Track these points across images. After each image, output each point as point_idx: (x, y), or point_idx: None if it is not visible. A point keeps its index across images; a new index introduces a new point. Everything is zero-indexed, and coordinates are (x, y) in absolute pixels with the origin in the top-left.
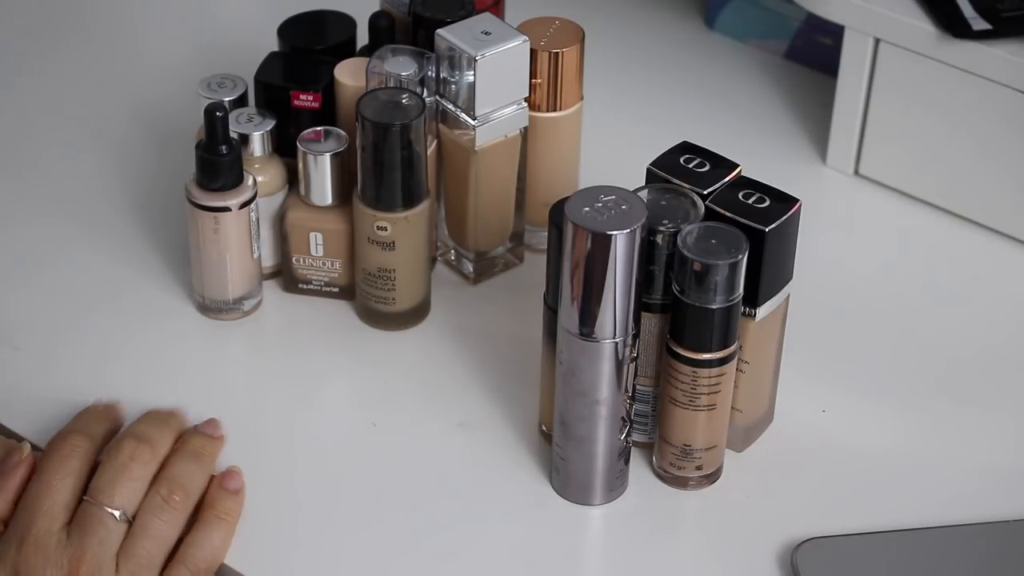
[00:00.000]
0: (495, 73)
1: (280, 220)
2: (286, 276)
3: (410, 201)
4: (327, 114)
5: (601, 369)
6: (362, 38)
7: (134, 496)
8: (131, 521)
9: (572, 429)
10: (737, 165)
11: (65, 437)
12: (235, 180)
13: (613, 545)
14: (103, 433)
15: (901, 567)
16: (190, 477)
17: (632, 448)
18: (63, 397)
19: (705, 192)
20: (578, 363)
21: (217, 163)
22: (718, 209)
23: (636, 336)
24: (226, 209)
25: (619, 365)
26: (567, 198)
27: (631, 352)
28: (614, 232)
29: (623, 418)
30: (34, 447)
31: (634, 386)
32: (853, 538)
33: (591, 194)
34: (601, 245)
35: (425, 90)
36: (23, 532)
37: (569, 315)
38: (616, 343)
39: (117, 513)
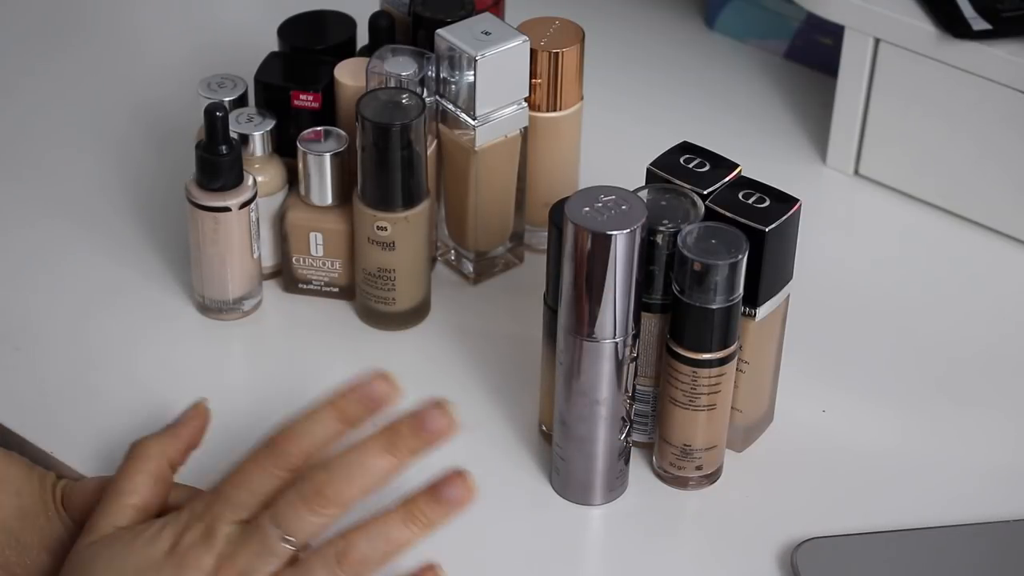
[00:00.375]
0: (495, 73)
1: (280, 220)
2: (286, 276)
3: (410, 201)
4: (327, 114)
5: (601, 369)
6: (362, 38)
7: (312, 533)
8: (297, 552)
9: (572, 429)
10: (737, 165)
11: (289, 440)
12: (235, 180)
13: (613, 545)
14: (317, 445)
15: (901, 567)
16: (371, 553)
17: (632, 448)
18: (63, 397)
19: (705, 192)
20: (578, 363)
21: (217, 163)
22: (718, 209)
23: (636, 336)
24: (226, 209)
25: (619, 365)
26: (567, 198)
27: (631, 352)
28: (614, 232)
29: (623, 418)
30: (35, 447)
31: (634, 386)
32: (853, 538)
33: (591, 194)
34: (601, 245)
35: (425, 90)
36: (200, 509)
37: (569, 315)
38: (616, 343)
39: (290, 544)
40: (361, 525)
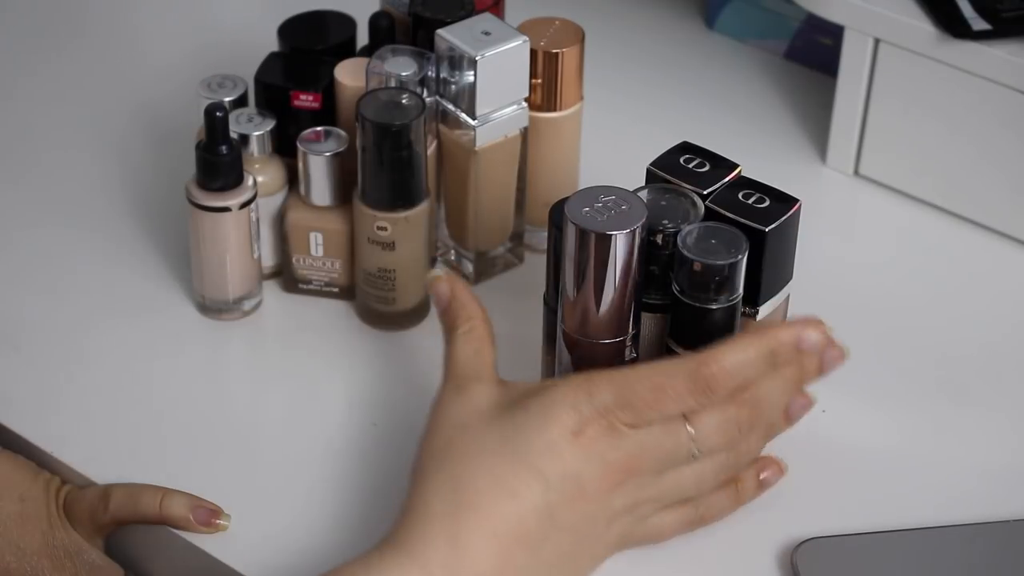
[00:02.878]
0: (495, 73)
1: (280, 220)
2: (286, 276)
3: (410, 201)
4: (327, 114)
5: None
6: (362, 38)
7: (718, 446)
8: (696, 455)
9: None
10: (737, 165)
11: (718, 376)
12: (235, 180)
13: None
14: (745, 385)
15: (901, 567)
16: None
17: None
18: (63, 397)
19: (705, 192)
20: (578, 363)
21: (217, 163)
22: (718, 209)
23: (636, 336)
24: (226, 209)
25: (619, 365)
26: (567, 198)
27: (631, 352)
28: (614, 232)
29: None
30: (35, 447)
31: None
32: (853, 538)
33: (591, 194)
34: (601, 245)
35: (425, 90)
36: (600, 405)
37: (569, 315)
38: (616, 343)
39: (696, 450)
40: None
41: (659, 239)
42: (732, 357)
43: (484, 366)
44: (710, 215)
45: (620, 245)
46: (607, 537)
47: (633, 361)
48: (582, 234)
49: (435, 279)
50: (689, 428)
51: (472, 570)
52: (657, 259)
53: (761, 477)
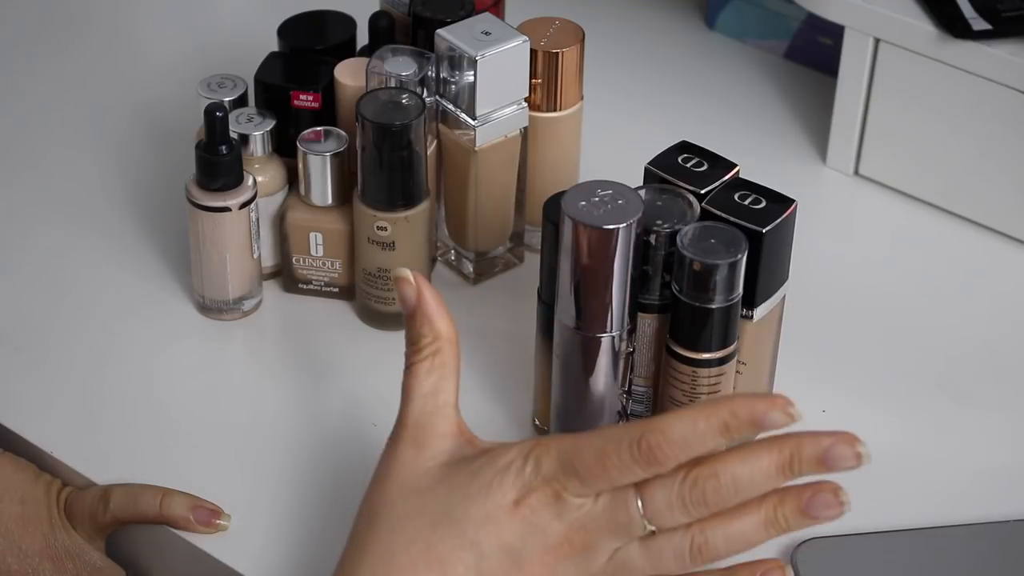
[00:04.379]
0: (495, 73)
1: (280, 220)
2: (286, 276)
3: (410, 201)
4: (327, 114)
5: (597, 363)
6: (362, 38)
7: (675, 526)
8: (650, 532)
9: (569, 423)
10: (735, 165)
11: (663, 447)
12: (235, 180)
13: None
14: (692, 456)
15: (901, 567)
16: (724, 551)
17: None
18: (63, 397)
19: (702, 192)
20: (574, 357)
21: (217, 163)
22: (714, 211)
23: (632, 331)
24: (226, 209)
25: (615, 359)
26: (561, 193)
27: (627, 347)
28: (611, 226)
29: (619, 412)
30: (35, 447)
31: (630, 381)
32: (853, 538)
33: (587, 188)
34: (597, 239)
35: (425, 90)
36: (546, 471)
37: (566, 309)
38: (612, 337)
39: (648, 525)
40: (718, 519)
41: (653, 239)
42: (679, 427)
43: (444, 409)
44: (706, 218)
45: (616, 239)
46: None
47: (630, 356)
48: (578, 228)
49: (401, 278)
50: (639, 501)
51: None
52: (652, 259)
53: None
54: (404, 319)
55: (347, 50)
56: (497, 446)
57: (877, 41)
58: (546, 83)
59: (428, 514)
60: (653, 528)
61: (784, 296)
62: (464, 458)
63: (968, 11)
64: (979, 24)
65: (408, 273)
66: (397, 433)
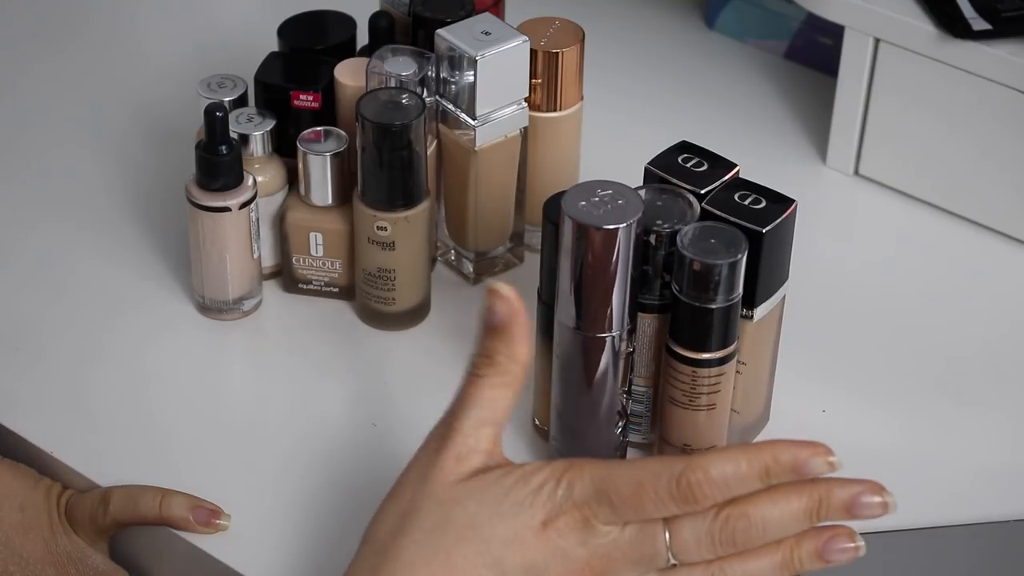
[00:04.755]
0: (495, 73)
1: (280, 220)
2: (286, 276)
3: (410, 201)
4: (327, 114)
5: (597, 362)
6: (362, 38)
7: (696, 557)
8: (671, 565)
9: (568, 423)
10: (735, 165)
11: (703, 487)
12: (235, 180)
13: None
14: (730, 497)
15: (901, 567)
16: None
17: (630, 448)
18: (63, 397)
19: (702, 192)
20: (574, 356)
21: (217, 163)
22: (714, 211)
23: (632, 331)
24: (226, 209)
25: (615, 358)
26: (561, 193)
27: (627, 347)
28: (611, 226)
29: (619, 412)
30: (35, 447)
31: (630, 380)
32: None
33: (587, 188)
34: (598, 239)
35: (425, 90)
36: (578, 496)
37: (566, 308)
38: (612, 337)
39: (671, 558)
40: (738, 557)
41: (653, 239)
42: (721, 467)
43: (494, 428)
44: (706, 218)
45: (616, 239)
46: None
47: (630, 356)
48: (579, 228)
49: (496, 293)
50: (667, 534)
51: None
52: (652, 259)
53: None
54: (482, 329)
55: (347, 50)
56: (528, 465)
57: (877, 41)
58: (546, 83)
59: (455, 528)
60: (675, 562)
61: (784, 296)
62: (495, 475)
63: (968, 11)
64: (979, 24)
65: (508, 290)
66: (444, 437)
